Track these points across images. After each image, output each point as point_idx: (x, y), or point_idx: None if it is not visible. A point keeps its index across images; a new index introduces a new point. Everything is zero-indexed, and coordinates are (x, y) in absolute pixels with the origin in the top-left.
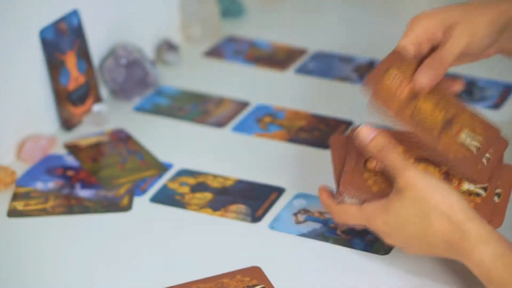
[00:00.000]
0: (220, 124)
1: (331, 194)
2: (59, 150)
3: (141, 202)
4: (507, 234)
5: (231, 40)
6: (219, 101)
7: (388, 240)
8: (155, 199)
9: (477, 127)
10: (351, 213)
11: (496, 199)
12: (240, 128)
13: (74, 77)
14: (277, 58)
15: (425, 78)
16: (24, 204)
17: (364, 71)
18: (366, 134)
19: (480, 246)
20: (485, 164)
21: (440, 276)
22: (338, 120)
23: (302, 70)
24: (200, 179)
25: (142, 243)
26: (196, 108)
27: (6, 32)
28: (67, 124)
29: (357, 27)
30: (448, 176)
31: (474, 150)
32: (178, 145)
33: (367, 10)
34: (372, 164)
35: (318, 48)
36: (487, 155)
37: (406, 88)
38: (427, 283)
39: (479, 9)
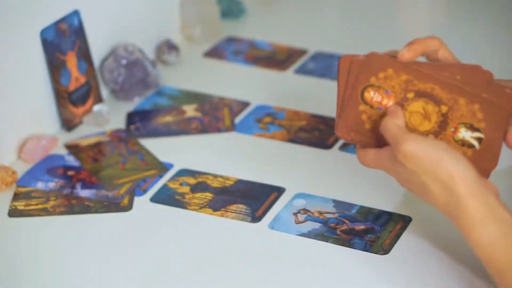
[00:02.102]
0: None
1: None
2: (59, 150)
3: (142, 202)
4: None
5: (231, 41)
6: (219, 102)
7: (404, 186)
8: (156, 199)
9: (477, 114)
10: (370, 158)
11: (476, 144)
12: (240, 128)
13: (75, 78)
14: (277, 58)
15: (406, 51)
16: (25, 204)
17: None
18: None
19: (479, 226)
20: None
21: (439, 276)
22: None
23: (302, 70)
24: (200, 179)
25: (142, 243)
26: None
27: (7, 32)
28: (68, 124)
29: (357, 27)
30: (446, 119)
31: (476, 144)
32: (178, 145)
33: (367, 10)
34: (369, 94)
35: (318, 48)
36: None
37: (390, 102)
38: (427, 283)
39: None
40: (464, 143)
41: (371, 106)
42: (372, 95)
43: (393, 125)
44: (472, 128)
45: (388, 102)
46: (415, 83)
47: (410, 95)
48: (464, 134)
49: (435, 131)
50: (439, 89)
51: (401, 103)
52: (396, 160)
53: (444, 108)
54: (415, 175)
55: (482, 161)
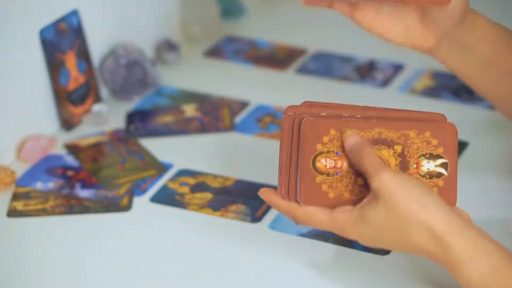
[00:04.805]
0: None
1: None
2: (59, 150)
3: (141, 202)
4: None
5: (231, 40)
6: (219, 102)
7: (364, 244)
8: (155, 199)
9: (431, 141)
10: (319, 220)
11: (443, 171)
12: (240, 128)
13: (74, 77)
14: (277, 58)
15: None
16: (24, 204)
17: (364, 71)
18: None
19: (466, 264)
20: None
21: (440, 276)
22: None
23: (302, 70)
24: (200, 179)
25: (142, 243)
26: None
27: (6, 32)
28: (67, 124)
29: (357, 27)
30: (404, 158)
31: (444, 171)
32: (178, 145)
33: None
34: (321, 164)
35: (318, 48)
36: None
37: (343, 163)
38: (427, 283)
39: None
40: (431, 175)
41: (328, 174)
42: (325, 163)
43: (373, 153)
44: (432, 156)
45: (343, 163)
46: (361, 135)
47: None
48: (428, 166)
49: None
50: (386, 131)
51: None
52: (361, 220)
53: (398, 148)
54: (390, 215)
55: (453, 188)
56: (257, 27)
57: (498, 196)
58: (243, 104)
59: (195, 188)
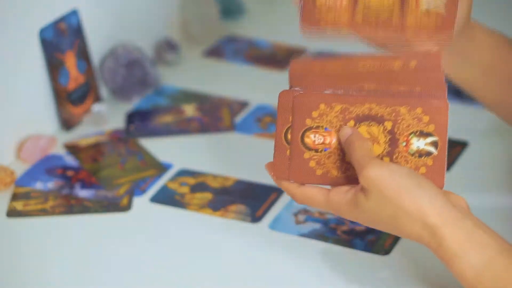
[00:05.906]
0: None
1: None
2: (58, 150)
3: (141, 202)
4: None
5: (231, 40)
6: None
7: (362, 224)
8: (155, 199)
9: (422, 118)
10: (316, 201)
11: (433, 150)
12: (240, 128)
13: (74, 77)
14: (277, 58)
15: None
16: (24, 204)
17: None
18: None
19: (460, 257)
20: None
21: (441, 276)
22: None
23: None
24: (200, 179)
25: (142, 243)
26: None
27: (5, 32)
28: (67, 124)
29: None
30: (394, 135)
31: (433, 150)
32: (178, 145)
33: None
34: (309, 139)
35: (318, 48)
36: None
37: None
38: (428, 283)
39: None
40: (421, 154)
41: (316, 150)
42: (313, 139)
43: (360, 147)
44: (423, 134)
45: (332, 139)
46: (351, 110)
47: (351, 123)
48: (418, 144)
49: (388, 151)
50: (376, 107)
51: None
52: (355, 205)
53: (388, 125)
54: (382, 207)
55: (442, 168)
56: (257, 27)
57: (498, 196)
58: (243, 104)
59: (195, 188)
